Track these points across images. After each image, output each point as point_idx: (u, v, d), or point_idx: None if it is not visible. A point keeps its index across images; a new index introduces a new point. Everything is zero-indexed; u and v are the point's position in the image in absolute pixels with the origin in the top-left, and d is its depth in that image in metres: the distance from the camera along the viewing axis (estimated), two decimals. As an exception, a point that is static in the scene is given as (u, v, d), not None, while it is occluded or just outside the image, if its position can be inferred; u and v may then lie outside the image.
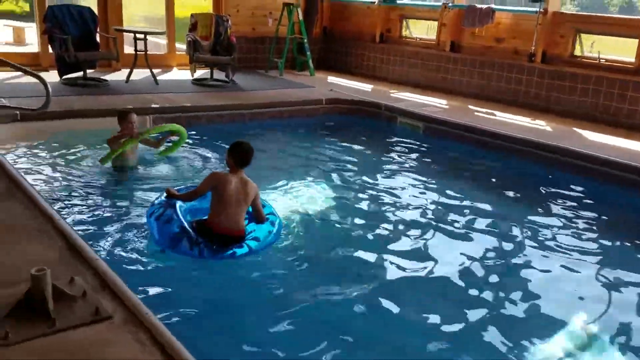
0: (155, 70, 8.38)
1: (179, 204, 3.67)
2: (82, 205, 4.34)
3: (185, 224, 3.51)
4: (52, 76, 7.83)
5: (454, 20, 8.95)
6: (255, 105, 7.58)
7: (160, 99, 7.23)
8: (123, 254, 3.61)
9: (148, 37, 8.30)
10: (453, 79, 8.99)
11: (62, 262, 2.86)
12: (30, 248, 2.98)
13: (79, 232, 3.17)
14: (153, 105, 6.83)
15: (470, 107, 8.12)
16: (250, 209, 3.76)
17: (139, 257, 3.59)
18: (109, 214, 4.26)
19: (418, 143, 7.29)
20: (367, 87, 9.42)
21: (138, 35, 8.09)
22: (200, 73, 9.05)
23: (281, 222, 3.92)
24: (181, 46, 10.55)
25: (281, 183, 5.43)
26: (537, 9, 7.87)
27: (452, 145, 7.04)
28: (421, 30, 10.11)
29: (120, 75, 8.60)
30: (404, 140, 7.37)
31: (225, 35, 8.71)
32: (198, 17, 8.70)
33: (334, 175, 5.86)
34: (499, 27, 8.47)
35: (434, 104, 8.24)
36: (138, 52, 8.12)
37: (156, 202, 3.73)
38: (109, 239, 3.77)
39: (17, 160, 5.26)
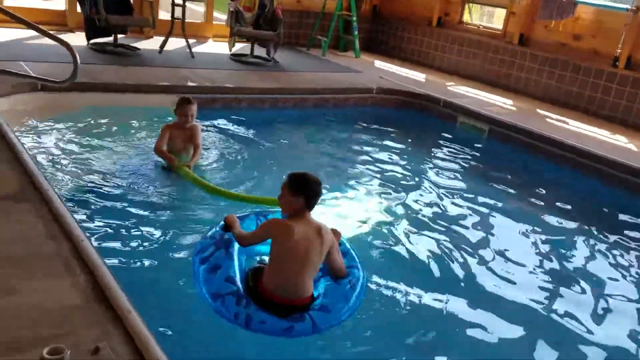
0: (190, 41, 7.58)
1: (236, 246, 2.80)
2: (112, 218, 3.55)
3: (237, 275, 2.62)
4: (78, 39, 7.09)
5: (526, 10, 8.01)
6: (301, 91, 6.77)
7: (197, 76, 6.45)
8: (162, 301, 2.82)
9: (187, 3, 7.49)
10: (518, 76, 8.09)
11: (86, 312, 2.16)
12: (48, 286, 2.28)
13: (109, 264, 2.46)
14: (190, 84, 6.06)
15: (539, 111, 7.25)
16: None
17: (185, 309, 2.78)
18: (146, 235, 3.44)
19: (481, 150, 6.47)
20: (419, 76, 8.57)
21: (177, 1, 7.28)
22: (239, 47, 8.25)
23: (365, 280, 2.86)
24: (219, 16, 9.75)
25: (327, 188, 4.69)
26: (627, 7, 6.95)
27: (522, 157, 6.21)
28: (485, 17, 9.19)
29: (152, 43, 7.81)
30: (465, 145, 6.54)
31: (271, 8, 7.86)
32: (242, -15, 7.88)
33: (387, 182, 5.08)
34: (578, 23, 7.54)
35: (498, 103, 7.38)
36: (175, 20, 7.33)
37: (209, 234, 2.88)
38: (145, 276, 3.02)
39: (34, 141, 4.54)
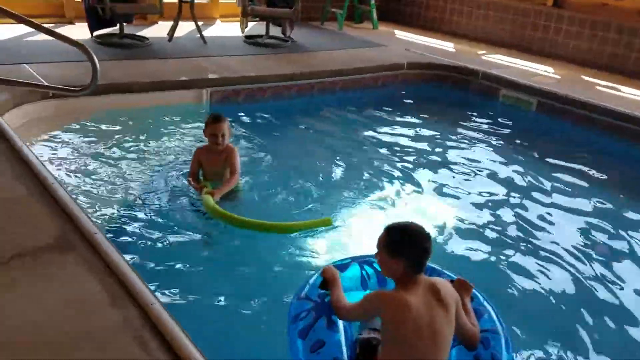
0: (193, 23, 6.95)
1: (341, 324, 2.14)
2: (162, 260, 3.01)
3: (345, 356, 2.00)
4: (79, 31, 6.48)
5: (560, -32, 7.43)
6: (328, 74, 6.21)
7: (215, 64, 5.87)
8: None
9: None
10: (554, 41, 7.51)
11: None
12: None
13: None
14: (211, 76, 5.48)
15: (585, 78, 6.71)
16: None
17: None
18: (214, 285, 2.87)
19: (530, 126, 5.97)
20: (446, 45, 7.98)
21: (184, -18, 6.65)
22: (250, 27, 7.63)
23: (510, 348, 2.16)
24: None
25: (369, 183, 4.24)
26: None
27: (577, 131, 5.71)
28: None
29: (158, 30, 7.19)
30: (511, 120, 6.03)
31: (285, -17, 7.24)
32: (252, -42, 7.21)
33: (443, 171, 4.61)
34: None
35: (540, 71, 6.83)
36: (183, 3, 6.71)
37: (303, 293, 2.25)
38: (226, 341, 2.49)
39: (56, 160, 3.99)
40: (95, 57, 3.54)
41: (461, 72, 6.73)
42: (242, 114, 5.47)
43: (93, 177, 3.80)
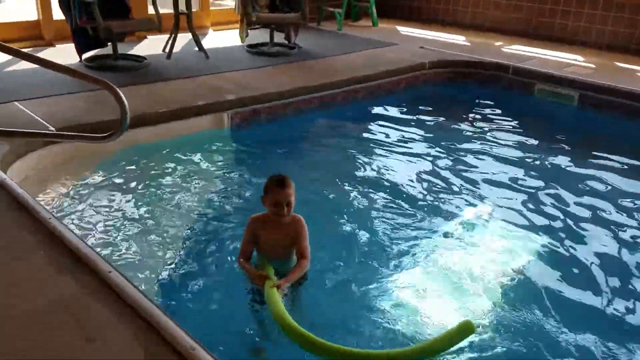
0: (187, 35, 6.29)
1: None
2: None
3: None
4: (63, 54, 5.76)
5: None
6: (354, 81, 5.61)
7: (227, 82, 5.23)
8: None
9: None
10: (576, 27, 7.07)
11: None
12: None
13: None
14: (229, 97, 4.84)
15: (621, 64, 6.27)
16: None
17: None
18: None
19: (574, 122, 5.52)
20: (458, 39, 7.47)
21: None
22: (249, 35, 6.99)
23: None
24: (217, 1, 8.43)
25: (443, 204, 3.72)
26: None
27: (630, 127, 5.27)
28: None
29: (150, 46, 6.49)
30: (551, 118, 5.59)
31: (286, -15, 6.62)
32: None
33: (491, 179, 4.20)
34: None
35: (569, 61, 6.37)
36: (180, 14, 6.03)
37: None
38: None
39: (78, 220, 3.33)
40: (123, 97, 2.89)
41: (488, 67, 6.22)
42: (268, 136, 4.88)
43: (119, 230, 3.19)
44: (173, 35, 6.00)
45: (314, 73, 5.70)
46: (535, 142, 4.96)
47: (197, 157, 4.33)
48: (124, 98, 2.92)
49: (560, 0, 7.11)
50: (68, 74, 2.94)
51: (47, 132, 3.55)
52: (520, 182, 4.20)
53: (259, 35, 6.88)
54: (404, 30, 8.11)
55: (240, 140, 4.77)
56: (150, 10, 6.89)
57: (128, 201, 3.61)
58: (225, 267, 2.98)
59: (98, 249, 2.57)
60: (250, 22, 6.17)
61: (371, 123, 5.37)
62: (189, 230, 3.35)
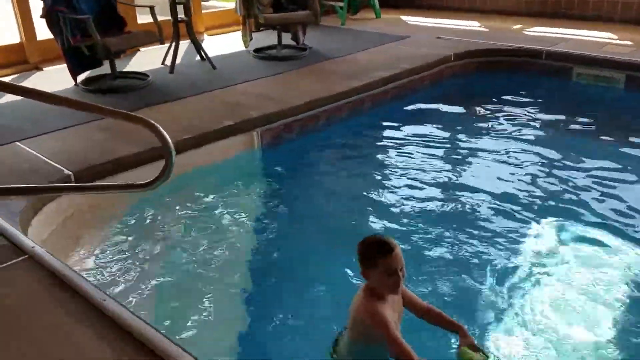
0: (184, 43, 5.69)
1: None
2: None
3: None
4: (55, 78, 5.15)
5: None
6: (383, 81, 5.09)
7: (243, 95, 4.68)
8: None
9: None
10: (600, 2, 6.66)
11: None
12: None
13: None
14: (252, 114, 4.27)
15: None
16: None
17: None
18: None
19: (623, 107, 5.09)
20: (472, 25, 7.00)
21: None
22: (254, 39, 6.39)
23: None
24: (207, 3, 7.81)
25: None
26: None
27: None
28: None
29: (146, 59, 5.84)
30: (597, 103, 5.15)
31: (291, -20, 6.05)
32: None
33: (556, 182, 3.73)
34: None
35: (603, 39, 5.93)
36: (179, 22, 5.43)
37: None
38: None
39: (106, 274, 2.79)
40: (167, 136, 2.34)
41: (519, 54, 5.76)
42: (303, 152, 4.36)
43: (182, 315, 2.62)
44: (174, 45, 5.39)
45: (336, 77, 5.16)
46: (591, 132, 4.54)
47: (231, 188, 3.78)
48: (168, 138, 2.36)
49: (580, -25, 6.70)
50: (97, 112, 2.37)
51: (75, 185, 2.95)
52: (586, 181, 3.75)
53: (263, 38, 6.31)
54: (410, 20, 7.61)
55: (275, 160, 4.22)
56: (140, 19, 6.30)
57: (171, 252, 3.06)
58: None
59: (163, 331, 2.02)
60: (257, 25, 5.60)
61: (408, 125, 4.87)
62: (249, 287, 2.82)
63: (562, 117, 4.88)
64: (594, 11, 6.67)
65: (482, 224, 3.28)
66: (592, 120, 4.79)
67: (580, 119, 4.82)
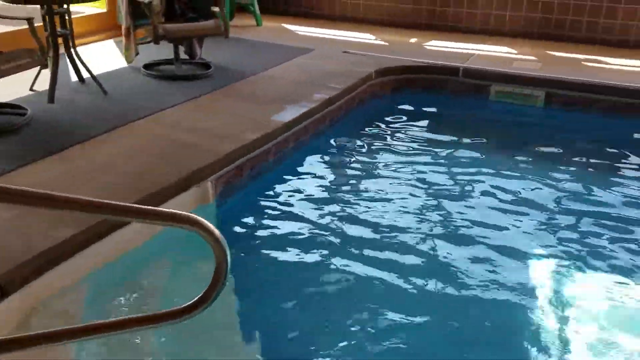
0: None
1: None
2: None
3: None
4: None
5: None
6: (319, 108, 4.40)
7: (175, 130, 3.71)
8: None
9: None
10: (484, 14, 6.74)
11: None
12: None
13: None
14: (205, 161, 3.34)
15: (557, 53, 6.02)
16: None
17: None
18: None
19: (545, 125, 5.12)
20: (365, 37, 6.64)
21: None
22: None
23: None
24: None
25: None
26: None
27: (613, 125, 4.99)
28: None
29: (4, 84, 4.43)
30: (519, 123, 5.13)
31: (185, -16, 5.05)
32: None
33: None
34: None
35: (507, 55, 5.95)
36: (59, 36, 4.16)
37: None
38: None
39: None
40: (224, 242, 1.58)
41: (438, 71, 5.54)
42: (259, 202, 3.59)
43: None
44: (53, 67, 4.11)
45: (267, 100, 4.40)
46: (513, 150, 4.46)
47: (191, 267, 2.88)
48: (223, 243, 1.55)
49: (470, -12, 6.73)
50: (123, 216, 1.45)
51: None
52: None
53: (150, 52, 5.22)
54: (296, 29, 7.03)
55: (232, 215, 3.39)
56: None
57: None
58: None
59: None
60: (156, 37, 4.55)
61: (351, 155, 4.36)
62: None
63: (481, 139, 4.72)
64: (481, 24, 6.78)
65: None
66: (512, 139, 4.75)
67: (500, 138, 4.75)
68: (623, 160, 4.37)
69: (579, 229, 3.40)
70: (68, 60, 4.39)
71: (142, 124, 3.79)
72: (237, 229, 3.35)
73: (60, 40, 4.26)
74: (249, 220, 3.43)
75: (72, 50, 4.36)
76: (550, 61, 5.74)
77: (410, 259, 3.07)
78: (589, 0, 6.22)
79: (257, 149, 3.68)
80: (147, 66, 5.01)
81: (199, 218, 1.56)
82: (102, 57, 5.37)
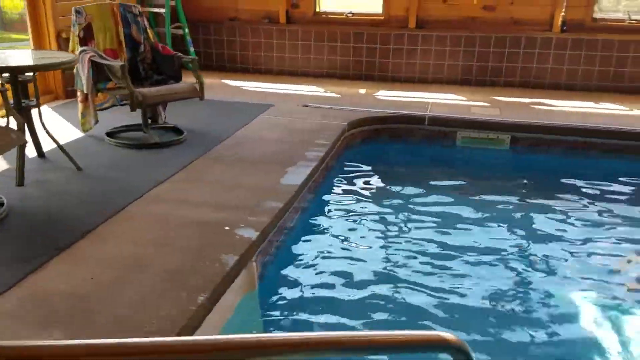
0: None
1: None
2: None
3: None
4: None
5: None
6: (320, 165, 4.20)
7: (193, 210, 3.31)
8: None
9: None
10: (423, 64, 6.93)
11: None
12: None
13: None
14: (248, 237, 2.98)
15: (500, 98, 6.30)
16: None
17: None
18: None
19: (512, 168, 5.30)
20: (316, 90, 6.54)
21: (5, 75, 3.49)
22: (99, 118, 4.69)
23: None
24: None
25: None
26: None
27: (574, 163, 5.27)
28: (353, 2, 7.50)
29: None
30: (485, 167, 5.27)
31: (148, 44, 4.63)
32: (91, 12, 4.33)
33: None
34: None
35: (461, 102, 6.13)
36: (24, 108, 3.57)
37: None
38: None
39: None
40: None
41: (405, 120, 5.55)
42: (294, 272, 3.29)
43: None
44: (20, 143, 3.51)
45: (263, 165, 4.09)
46: (484, 193, 4.62)
47: None
48: None
49: (405, 39, 6.89)
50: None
51: None
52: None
53: (107, 119, 4.69)
54: (241, 84, 6.77)
55: (276, 294, 3.06)
56: None
57: None
58: None
59: None
60: (134, 104, 4.08)
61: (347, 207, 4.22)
62: None
63: (453, 182, 4.85)
64: (420, 73, 6.96)
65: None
66: (481, 182, 4.88)
67: (471, 181, 4.88)
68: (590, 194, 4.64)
69: (551, 264, 3.53)
70: (29, 133, 3.81)
71: (144, 206, 3.33)
72: (286, 307, 3.02)
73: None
74: (294, 294, 3.11)
75: (37, 122, 3.78)
76: (504, 106, 6.00)
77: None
78: (522, 48, 6.67)
79: (282, 218, 3.38)
80: (111, 134, 4.50)
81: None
82: (49, 125, 4.75)
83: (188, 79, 4.78)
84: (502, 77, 6.80)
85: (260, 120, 5.29)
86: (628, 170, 5.09)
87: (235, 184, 3.71)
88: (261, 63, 7.37)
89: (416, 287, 3.19)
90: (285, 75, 7.26)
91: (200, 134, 4.78)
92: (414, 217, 4.15)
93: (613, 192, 4.71)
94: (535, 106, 6.02)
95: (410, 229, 3.96)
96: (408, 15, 6.84)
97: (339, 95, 6.33)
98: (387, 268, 3.42)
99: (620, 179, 4.96)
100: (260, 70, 7.39)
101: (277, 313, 2.98)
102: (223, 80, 6.95)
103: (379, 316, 2.96)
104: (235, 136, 4.76)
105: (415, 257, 3.54)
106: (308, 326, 2.89)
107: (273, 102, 5.90)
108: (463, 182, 4.87)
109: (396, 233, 3.93)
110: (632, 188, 4.81)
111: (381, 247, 3.72)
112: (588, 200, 4.51)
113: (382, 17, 6.99)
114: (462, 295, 3.13)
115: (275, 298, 3.06)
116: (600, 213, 4.31)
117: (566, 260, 3.58)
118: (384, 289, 3.17)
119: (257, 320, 2.95)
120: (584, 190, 4.70)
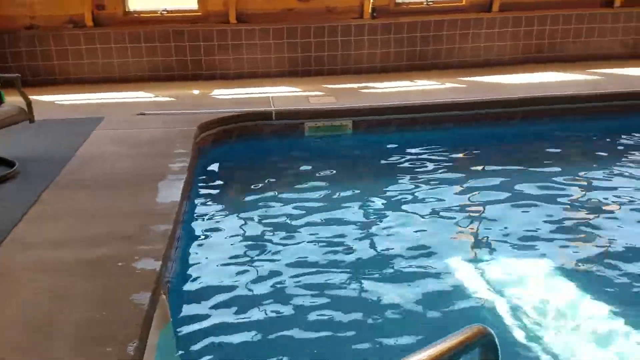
0: None
1: None
2: None
3: None
4: None
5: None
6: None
7: (45, 255, 2.85)
8: None
9: None
10: (251, 59, 6.83)
11: None
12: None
13: None
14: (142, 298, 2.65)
15: (330, 86, 6.49)
16: None
17: None
18: None
19: (359, 150, 5.55)
20: (146, 96, 6.06)
21: None
22: None
23: None
24: None
25: None
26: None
27: (404, 139, 5.66)
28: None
29: None
30: (337, 152, 5.47)
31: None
32: None
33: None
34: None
35: (296, 93, 6.17)
36: None
37: None
38: None
39: None
40: None
41: (252, 117, 5.44)
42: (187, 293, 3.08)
43: None
44: None
45: (126, 186, 3.70)
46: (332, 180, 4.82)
47: None
48: None
49: (227, 35, 6.71)
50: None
51: None
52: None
53: None
54: (51, 99, 6.00)
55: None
56: None
57: None
58: None
59: None
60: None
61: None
62: None
63: (309, 170, 4.99)
64: (249, 67, 6.86)
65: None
66: (332, 167, 5.03)
67: (321, 170, 4.98)
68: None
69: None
70: None
71: (11, 257, 2.80)
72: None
73: None
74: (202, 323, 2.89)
75: None
76: (337, 93, 6.19)
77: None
78: (339, 36, 6.96)
79: (174, 240, 3.11)
80: None
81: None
82: None
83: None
84: (326, 65, 7.04)
85: (97, 135, 4.78)
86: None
87: (107, 211, 3.31)
88: (71, 72, 6.64)
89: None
90: (101, 83, 6.62)
91: (35, 161, 4.16)
92: (284, 210, 4.15)
93: (435, 161, 5.17)
94: (363, 90, 6.36)
95: (284, 224, 3.96)
96: (227, 10, 6.70)
97: (173, 99, 6.00)
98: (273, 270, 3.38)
99: (438, 148, 5.46)
100: (70, 80, 6.65)
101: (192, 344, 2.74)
102: (31, 97, 6.09)
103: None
104: (77, 157, 4.24)
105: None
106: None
107: (103, 114, 5.37)
108: (316, 170, 4.94)
109: (269, 231, 3.88)
110: (448, 155, 5.32)
111: (262, 248, 3.64)
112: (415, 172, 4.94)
113: (200, 13, 6.75)
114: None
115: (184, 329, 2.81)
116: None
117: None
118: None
119: (174, 357, 2.70)
120: (418, 162, 5.14)
